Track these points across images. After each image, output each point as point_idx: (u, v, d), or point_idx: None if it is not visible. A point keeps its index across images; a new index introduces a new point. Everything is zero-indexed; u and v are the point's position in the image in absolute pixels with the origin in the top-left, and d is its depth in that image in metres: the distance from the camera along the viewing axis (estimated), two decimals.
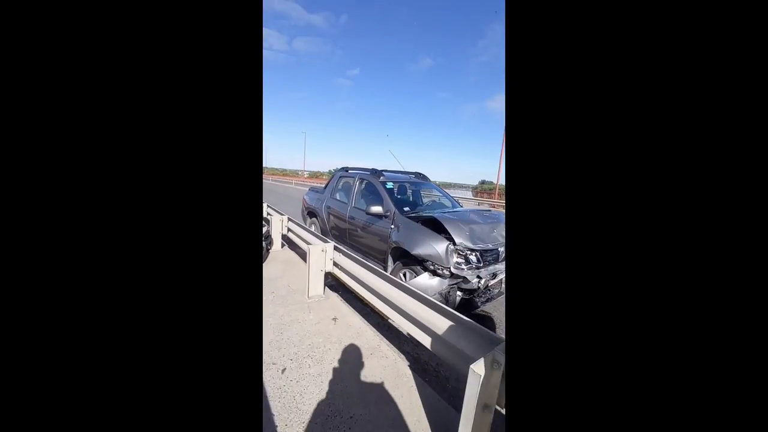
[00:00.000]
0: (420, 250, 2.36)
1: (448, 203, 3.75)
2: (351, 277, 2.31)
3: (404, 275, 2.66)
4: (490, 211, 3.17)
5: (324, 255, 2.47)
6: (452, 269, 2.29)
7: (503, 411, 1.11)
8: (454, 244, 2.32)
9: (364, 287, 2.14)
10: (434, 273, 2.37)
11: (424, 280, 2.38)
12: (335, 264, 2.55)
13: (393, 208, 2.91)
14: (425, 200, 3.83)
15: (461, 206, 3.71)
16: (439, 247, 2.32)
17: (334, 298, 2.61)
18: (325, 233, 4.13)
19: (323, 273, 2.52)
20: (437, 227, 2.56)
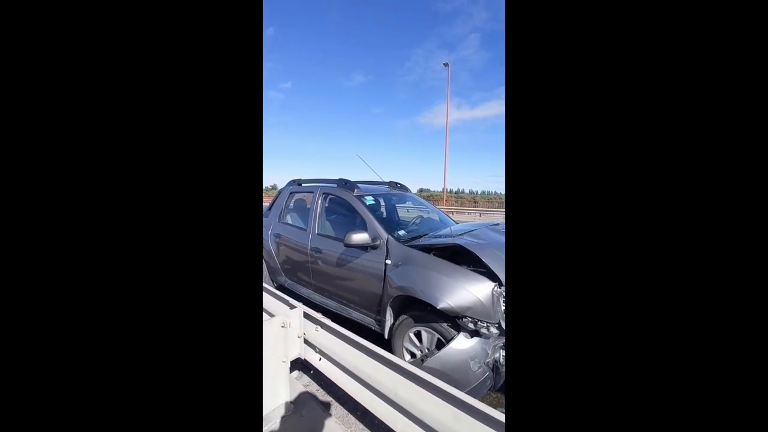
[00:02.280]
0: (451, 301, 1.48)
1: (435, 217, 2.99)
2: (343, 371, 1.28)
3: (418, 336, 1.73)
4: (498, 224, 2.50)
5: (286, 333, 1.37)
6: (502, 323, 1.48)
7: None
8: (501, 284, 1.52)
9: (369, 390, 1.14)
10: (474, 333, 1.52)
11: (461, 346, 1.49)
12: (307, 342, 1.47)
13: (384, 234, 1.97)
14: (406, 216, 3.00)
15: (455, 222, 2.98)
16: (481, 292, 1.48)
17: (310, 402, 1.50)
18: (275, 272, 2.92)
19: (287, 364, 1.41)
20: (456, 258, 1.73)
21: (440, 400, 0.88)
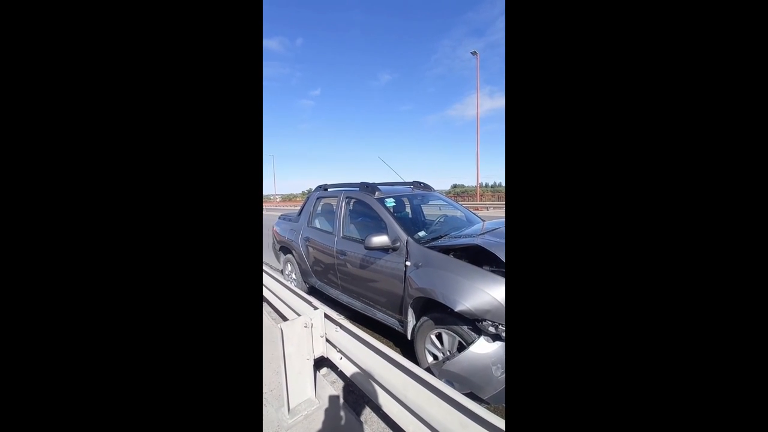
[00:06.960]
0: (469, 304, 1.45)
1: (460, 215, 2.90)
2: (360, 370, 1.33)
3: (439, 338, 1.72)
4: None
5: (310, 333, 1.46)
6: None
7: None
8: None
9: (384, 390, 1.17)
10: (496, 336, 1.46)
11: (482, 350, 1.45)
12: (329, 341, 1.55)
13: (404, 236, 1.98)
14: (431, 216, 2.96)
15: (482, 220, 2.87)
16: (501, 294, 1.42)
17: (334, 399, 1.59)
18: (306, 274, 3.09)
19: (311, 361, 1.50)
20: (478, 258, 1.68)
21: (447, 405, 0.88)
